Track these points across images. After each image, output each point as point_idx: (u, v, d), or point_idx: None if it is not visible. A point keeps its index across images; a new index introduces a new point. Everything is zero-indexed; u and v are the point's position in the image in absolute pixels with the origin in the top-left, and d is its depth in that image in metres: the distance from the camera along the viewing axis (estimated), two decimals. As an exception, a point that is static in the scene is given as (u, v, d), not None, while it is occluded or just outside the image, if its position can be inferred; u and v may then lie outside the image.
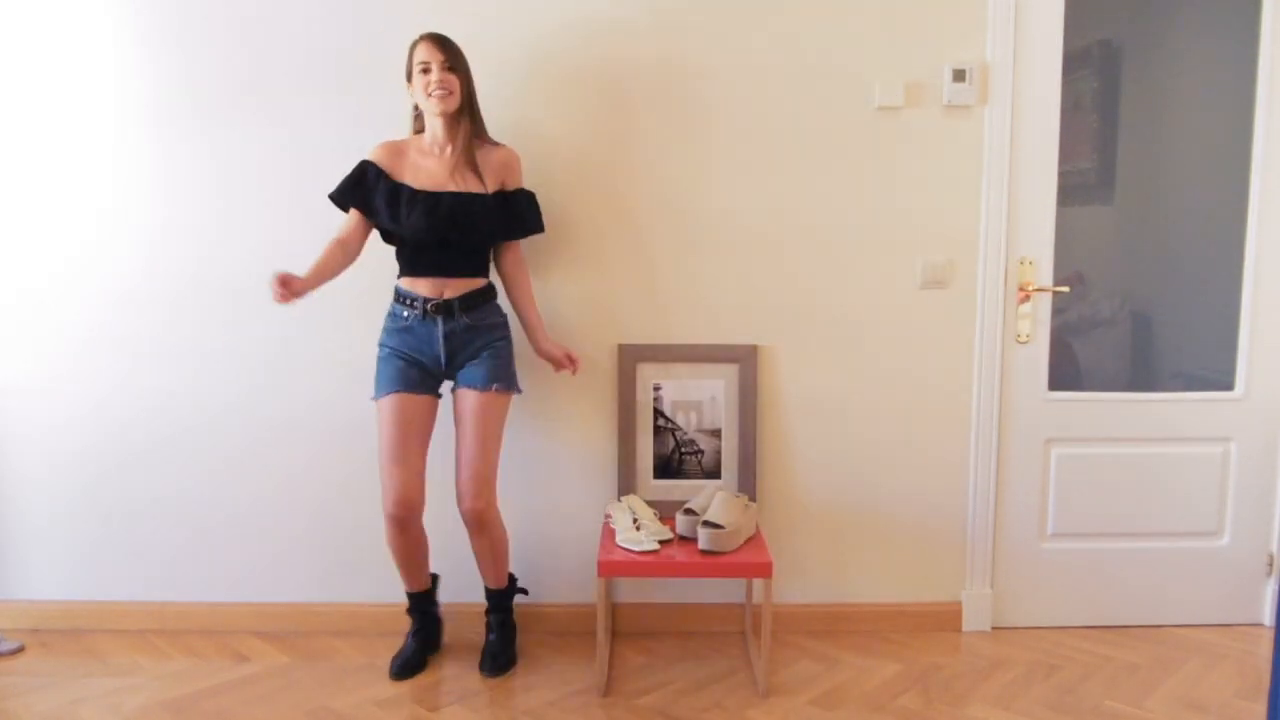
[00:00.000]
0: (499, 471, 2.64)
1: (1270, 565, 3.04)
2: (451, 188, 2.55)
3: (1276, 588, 3.01)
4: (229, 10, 2.79)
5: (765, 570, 2.53)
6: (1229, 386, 3.00)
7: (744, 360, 2.91)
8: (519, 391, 2.70)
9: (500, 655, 2.73)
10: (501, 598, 2.77)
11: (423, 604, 2.78)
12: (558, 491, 2.96)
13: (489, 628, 2.79)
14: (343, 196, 2.59)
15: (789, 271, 2.90)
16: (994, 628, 3.02)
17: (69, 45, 2.80)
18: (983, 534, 2.98)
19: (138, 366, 2.91)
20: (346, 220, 2.62)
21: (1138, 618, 3.04)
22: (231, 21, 2.79)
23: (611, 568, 2.55)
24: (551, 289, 2.88)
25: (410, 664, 2.71)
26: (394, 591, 2.90)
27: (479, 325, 2.62)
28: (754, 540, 2.69)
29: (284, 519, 2.96)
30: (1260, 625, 3.04)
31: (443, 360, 2.60)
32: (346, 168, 2.61)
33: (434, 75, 2.50)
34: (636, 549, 2.58)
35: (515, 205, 2.63)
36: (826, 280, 2.91)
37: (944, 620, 3.01)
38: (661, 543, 2.64)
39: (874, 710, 2.52)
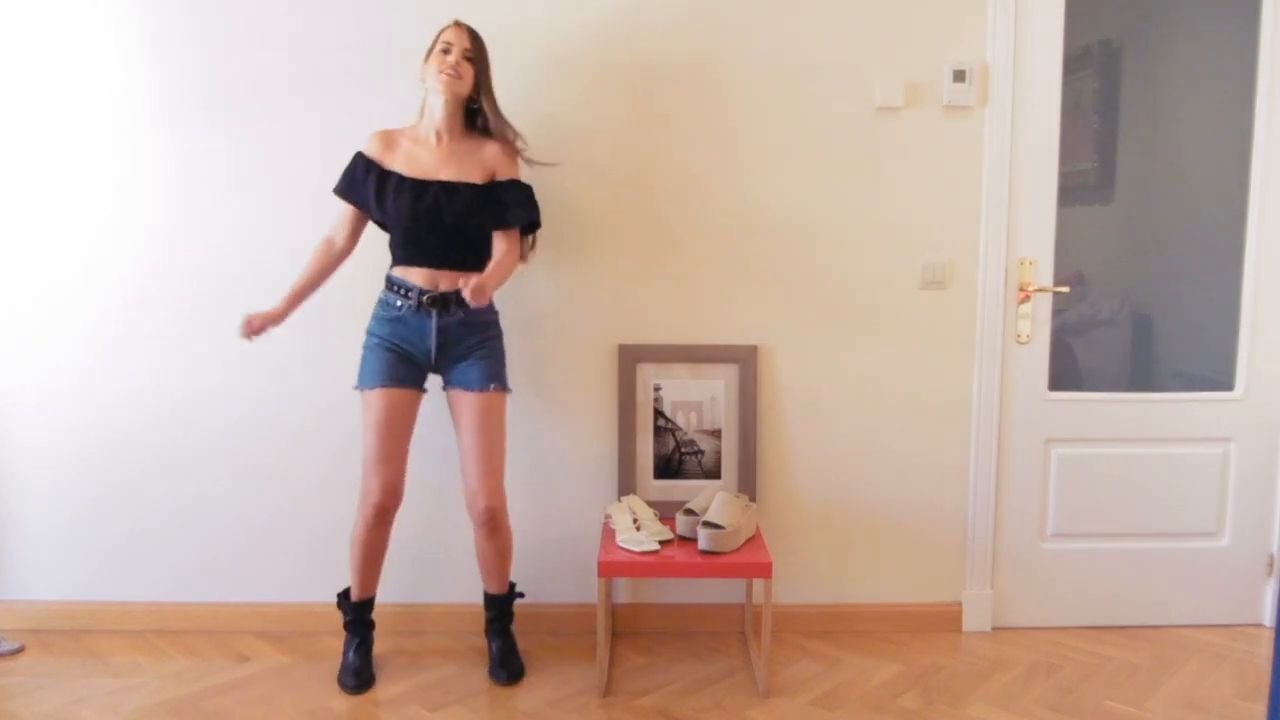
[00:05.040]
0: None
1: (1270, 566, 3.04)
2: (441, 177, 2.54)
3: (1276, 588, 3.01)
4: (242, 3, 2.78)
5: (765, 570, 2.53)
6: (1229, 386, 3.00)
7: (744, 360, 2.91)
8: (510, 390, 2.69)
9: (512, 660, 2.69)
10: (504, 603, 2.73)
11: (366, 613, 2.69)
12: (558, 492, 2.96)
13: (493, 635, 2.72)
14: (343, 191, 2.60)
15: (789, 271, 2.90)
16: (994, 628, 3.02)
17: (76, 44, 2.80)
18: (983, 534, 2.98)
19: (140, 370, 2.90)
20: (338, 213, 2.63)
21: (1138, 618, 3.04)
22: (240, 17, 2.78)
23: (612, 568, 2.55)
24: (551, 289, 2.88)
25: (365, 676, 2.63)
26: (392, 592, 2.90)
27: (473, 322, 2.60)
28: (754, 540, 2.69)
29: (284, 520, 2.96)
30: (1260, 626, 3.04)
31: (433, 354, 2.58)
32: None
33: (452, 57, 2.50)
34: (637, 549, 2.58)
35: (499, 194, 2.59)
36: (826, 280, 2.91)
37: (944, 620, 3.01)
38: (662, 543, 2.64)
39: (874, 710, 2.52)
